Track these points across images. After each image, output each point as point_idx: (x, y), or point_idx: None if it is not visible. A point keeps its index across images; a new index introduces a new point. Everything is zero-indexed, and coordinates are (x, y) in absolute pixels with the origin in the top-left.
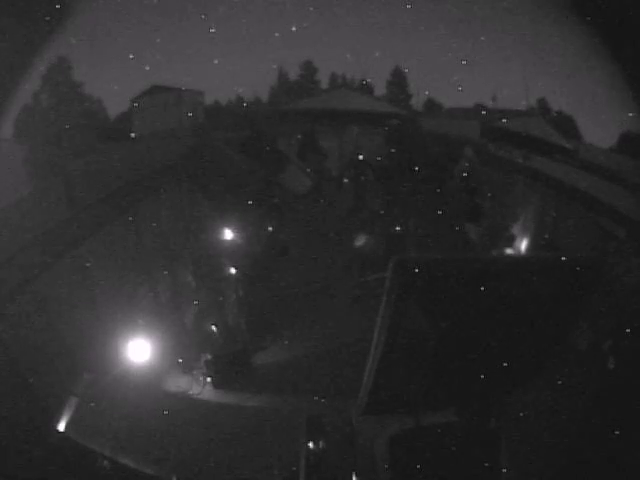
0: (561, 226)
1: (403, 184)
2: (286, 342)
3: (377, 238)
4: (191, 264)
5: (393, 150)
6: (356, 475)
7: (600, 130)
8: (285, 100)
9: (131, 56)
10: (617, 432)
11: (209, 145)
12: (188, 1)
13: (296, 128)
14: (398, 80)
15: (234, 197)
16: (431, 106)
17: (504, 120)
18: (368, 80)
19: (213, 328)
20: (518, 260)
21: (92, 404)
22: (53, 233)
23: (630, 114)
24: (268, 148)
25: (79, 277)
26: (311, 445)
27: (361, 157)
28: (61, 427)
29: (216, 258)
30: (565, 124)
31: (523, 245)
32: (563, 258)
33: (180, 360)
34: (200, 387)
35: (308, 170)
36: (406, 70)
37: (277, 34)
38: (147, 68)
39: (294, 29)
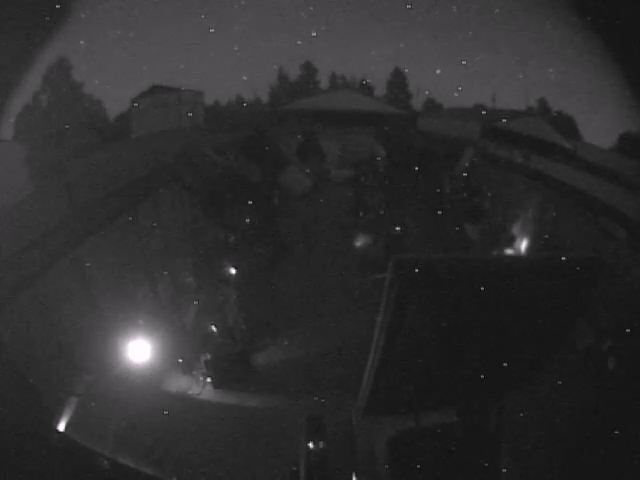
0: (561, 226)
1: (403, 184)
2: (286, 342)
3: (377, 238)
4: (191, 264)
5: (384, 152)
6: (356, 475)
7: (600, 130)
8: (285, 100)
9: (131, 56)
10: (617, 432)
11: (194, 149)
12: (188, 1)
13: (296, 128)
14: (398, 80)
15: (217, 199)
16: (431, 106)
17: (504, 120)
18: (368, 80)
19: (213, 328)
20: (518, 260)
21: (92, 404)
22: (53, 233)
23: (630, 114)
24: (268, 148)
25: (79, 277)
26: (311, 445)
27: (361, 157)
28: (61, 427)
29: (216, 258)
30: (565, 124)
31: (523, 245)
32: (563, 258)
33: (180, 360)
34: (200, 387)
35: (308, 170)
36: (406, 70)
37: (277, 35)
38: (147, 68)
39: (314, 34)
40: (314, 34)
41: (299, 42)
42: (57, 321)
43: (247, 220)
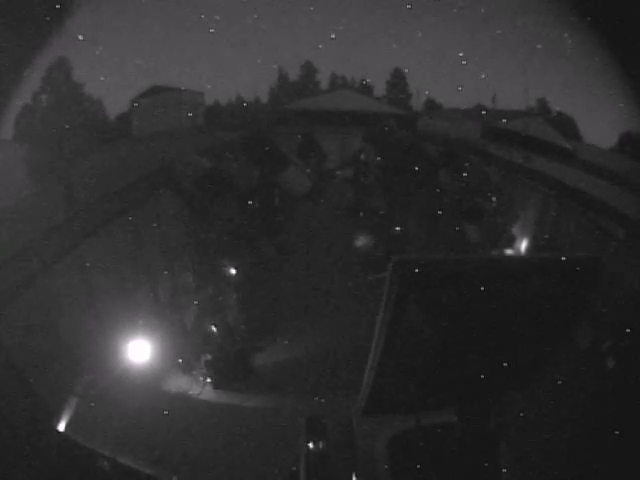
0: (561, 226)
1: (402, 184)
2: (286, 342)
3: (377, 238)
4: (191, 264)
5: (373, 153)
6: (356, 475)
7: (600, 130)
8: (285, 100)
9: (131, 56)
10: (617, 432)
11: (178, 153)
12: (188, 1)
13: (296, 129)
14: (398, 80)
15: (197, 200)
16: (431, 106)
17: (504, 120)
18: (368, 80)
19: (213, 328)
20: (518, 260)
21: (92, 404)
22: (53, 233)
23: (630, 114)
24: (268, 148)
25: (79, 277)
26: (311, 445)
27: (362, 157)
28: (61, 427)
29: (216, 258)
30: (565, 124)
31: (523, 245)
32: (563, 258)
33: (180, 360)
34: (200, 387)
35: (308, 170)
36: (406, 70)
37: (278, 35)
38: (147, 68)
39: (333, 36)
40: (314, 34)
41: (299, 42)
42: (57, 321)
43: (227, 217)
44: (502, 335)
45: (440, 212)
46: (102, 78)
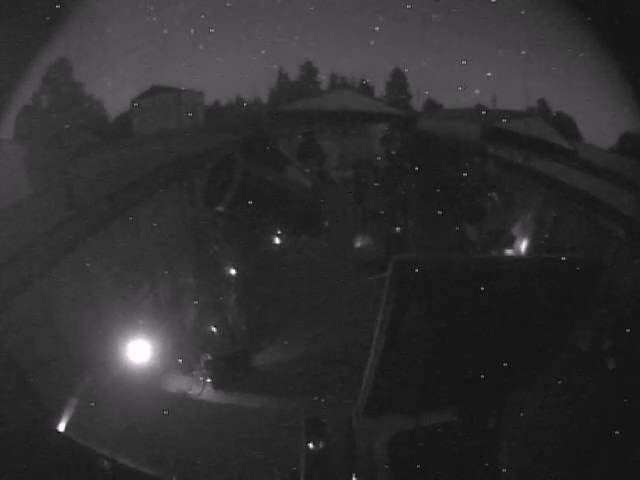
0: (561, 226)
1: (403, 185)
2: (286, 342)
3: (377, 238)
4: (191, 264)
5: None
6: (356, 475)
7: (600, 130)
8: (285, 100)
9: (131, 56)
10: (617, 432)
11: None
12: (188, 1)
13: (296, 129)
14: (398, 81)
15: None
16: (431, 106)
17: (504, 120)
18: (368, 81)
19: (213, 328)
20: (518, 260)
21: (92, 404)
22: (53, 233)
23: (630, 114)
24: (268, 148)
25: (79, 277)
26: (311, 445)
27: (361, 158)
28: (61, 427)
29: (216, 258)
30: (565, 124)
31: (523, 245)
32: (563, 258)
33: (180, 361)
34: (200, 388)
35: (308, 170)
36: (406, 70)
37: (277, 34)
38: (147, 68)
39: (371, 43)
40: (314, 34)
41: (299, 42)
42: (57, 321)
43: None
44: (502, 335)
45: (440, 212)
46: (102, 78)
